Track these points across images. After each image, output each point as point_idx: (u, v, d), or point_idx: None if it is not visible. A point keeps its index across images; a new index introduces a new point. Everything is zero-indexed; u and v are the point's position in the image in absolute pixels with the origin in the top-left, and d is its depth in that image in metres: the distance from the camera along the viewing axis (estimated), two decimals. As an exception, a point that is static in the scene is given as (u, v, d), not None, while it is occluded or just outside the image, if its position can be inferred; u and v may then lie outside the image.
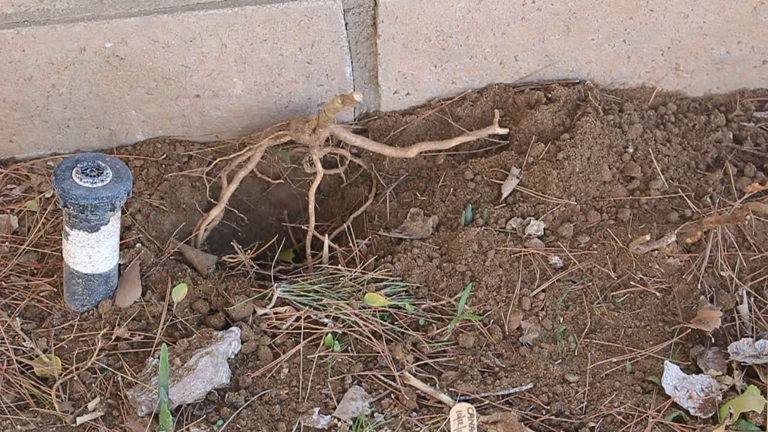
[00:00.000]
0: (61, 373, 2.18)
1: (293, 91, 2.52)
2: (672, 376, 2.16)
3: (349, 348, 2.26)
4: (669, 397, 2.14)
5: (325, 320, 2.28)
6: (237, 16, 2.34)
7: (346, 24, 2.41)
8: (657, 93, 2.66)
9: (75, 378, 2.18)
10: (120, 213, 2.22)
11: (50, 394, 2.13)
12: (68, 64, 2.37)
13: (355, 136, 2.50)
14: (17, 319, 2.27)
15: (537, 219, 2.41)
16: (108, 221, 2.17)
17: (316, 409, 2.14)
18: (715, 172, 2.54)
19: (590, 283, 2.32)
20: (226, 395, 2.16)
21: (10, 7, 2.27)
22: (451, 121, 2.60)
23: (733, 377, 2.15)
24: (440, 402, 2.14)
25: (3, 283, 2.34)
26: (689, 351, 2.23)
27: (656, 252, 2.32)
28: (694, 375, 2.17)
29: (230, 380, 2.19)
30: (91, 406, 2.14)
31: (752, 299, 2.29)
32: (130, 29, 2.32)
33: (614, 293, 2.31)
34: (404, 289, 2.34)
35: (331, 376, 2.20)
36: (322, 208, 2.74)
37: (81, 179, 2.12)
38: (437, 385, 2.18)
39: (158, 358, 2.13)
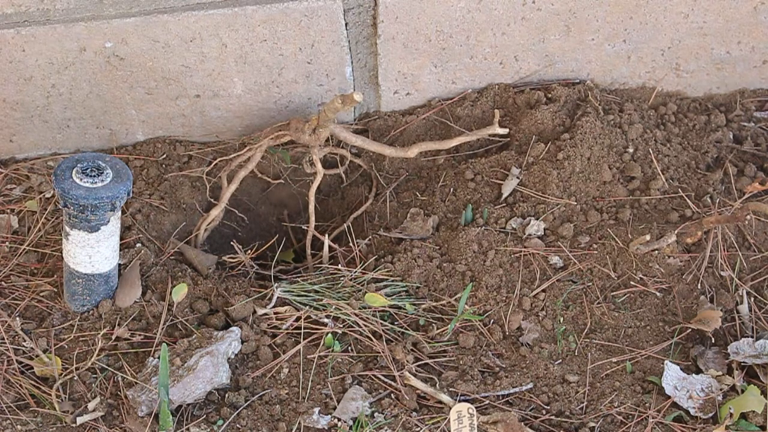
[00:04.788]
0: (61, 373, 2.18)
1: (293, 91, 2.52)
2: (672, 376, 2.16)
3: (349, 348, 2.26)
4: (669, 397, 2.14)
5: (325, 320, 2.28)
6: (237, 16, 2.34)
7: (346, 24, 2.41)
8: (657, 93, 2.66)
9: (75, 378, 2.18)
10: (120, 213, 2.22)
11: (50, 394, 2.13)
12: (68, 64, 2.37)
13: (355, 136, 2.50)
14: (17, 319, 2.27)
15: (537, 219, 2.41)
16: (108, 221, 2.17)
17: (316, 409, 2.14)
18: (715, 172, 2.54)
19: (590, 283, 2.32)
20: (226, 395, 2.16)
21: (10, 7, 2.27)
22: (451, 121, 2.60)
23: (733, 377, 2.15)
24: (440, 402, 2.14)
25: (3, 283, 2.34)
26: (689, 351, 2.23)
27: (656, 252, 2.32)
28: (694, 375, 2.17)
29: (230, 380, 2.19)
30: (91, 406, 2.14)
31: (752, 299, 2.29)
32: (130, 29, 2.33)
33: (614, 293, 2.31)
34: (404, 289, 2.34)
35: (331, 376, 2.20)
36: (322, 208, 2.74)
37: (81, 179, 2.12)
38: (437, 385, 2.18)
39: (158, 358, 2.13)
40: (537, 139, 2.53)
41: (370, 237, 2.50)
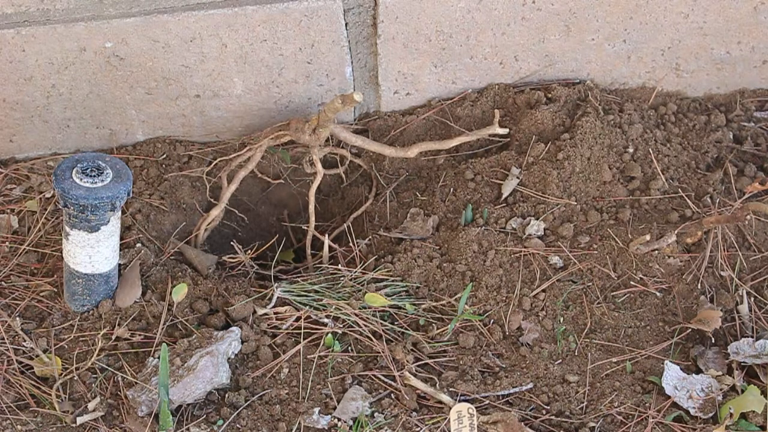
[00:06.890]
0: (61, 373, 2.18)
1: (293, 91, 2.53)
2: (672, 376, 2.16)
3: (349, 348, 2.26)
4: (669, 397, 2.14)
5: (325, 320, 2.28)
6: (237, 16, 2.34)
7: (346, 24, 2.41)
8: (657, 93, 2.66)
9: (75, 378, 2.18)
10: (120, 213, 2.22)
11: (50, 394, 2.13)
12: (68, 64, 2.37)
13: (355, 136, 2.50)
14: (17, 319, 2.27)
15: (537, 219, 2.41)
16: (108, 221, 2.17)
17: (316, 409, 2.14)
18: (715, 172, 2.54)
19: (590, 283, 2.32)
20: (226, 395, 2.16)
21: (10, 7, 2.27)
22: (451, 121, 2.60)
23: (733, 377, 2.15)
24: (440, 402, 2.14)
25: (3, 283, 2.34)
26: (689, 351, 2.23)
27: (656, 252, 2.32)
28: (694, 375, 2.17)
29: (230, 380, 2.19)
30: (91, 406, 2.14)
31: (752, 299, 2.29)
32: (130, 29, 2.33)
33: (614, 293, 2.31)
34: (404, 289, 2.34)
35: (331, 376, 2.20)
36: (322, 208, 2.74)
37: (81, 179, 2.12)
38: (437, 385, 2.18)
39: (158, 358, 2.13)
40: (537, 139, 2.53)
41: (370, 237, 2.50)
